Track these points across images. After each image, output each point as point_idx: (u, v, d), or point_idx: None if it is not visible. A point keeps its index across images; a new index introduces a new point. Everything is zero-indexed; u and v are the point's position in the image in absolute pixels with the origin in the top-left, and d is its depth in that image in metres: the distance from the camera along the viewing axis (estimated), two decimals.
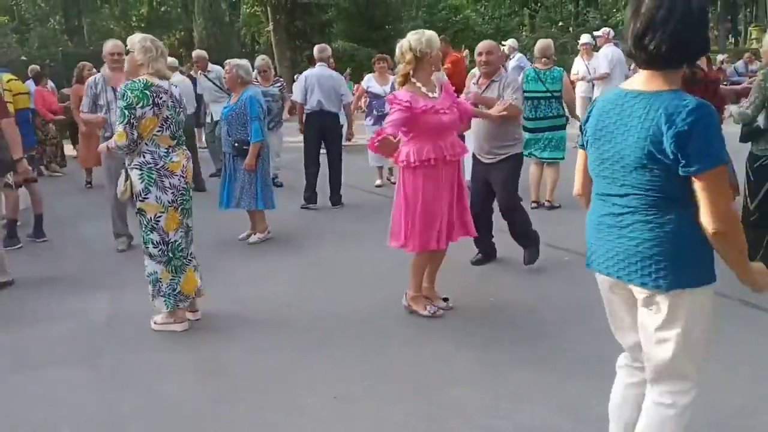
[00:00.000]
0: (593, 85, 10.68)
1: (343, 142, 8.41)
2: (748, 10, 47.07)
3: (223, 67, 7.18)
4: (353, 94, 10.12)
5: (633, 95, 2.15)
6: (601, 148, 2.23)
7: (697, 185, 2.02)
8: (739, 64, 16.62)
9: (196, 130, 10.03)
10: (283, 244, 6.49)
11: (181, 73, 10.26)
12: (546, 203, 7.24)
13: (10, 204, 6.45)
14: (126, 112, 4.05)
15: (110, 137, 5.99)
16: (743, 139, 4.81)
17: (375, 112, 8.77)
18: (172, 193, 4.23)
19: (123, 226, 6.46)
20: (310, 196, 7.97)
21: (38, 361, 4.06)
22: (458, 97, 4.75)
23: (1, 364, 4.04)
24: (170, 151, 4.23)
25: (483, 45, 5.24)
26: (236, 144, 6.27)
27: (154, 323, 4.42)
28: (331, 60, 8.68)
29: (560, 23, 34.48)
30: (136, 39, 4.23)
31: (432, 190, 4.25)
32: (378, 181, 9.09)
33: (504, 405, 3.30)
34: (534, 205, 7.11)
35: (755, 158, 4.73)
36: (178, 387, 3.67)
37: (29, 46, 28.15)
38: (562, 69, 7.19)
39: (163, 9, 42.78)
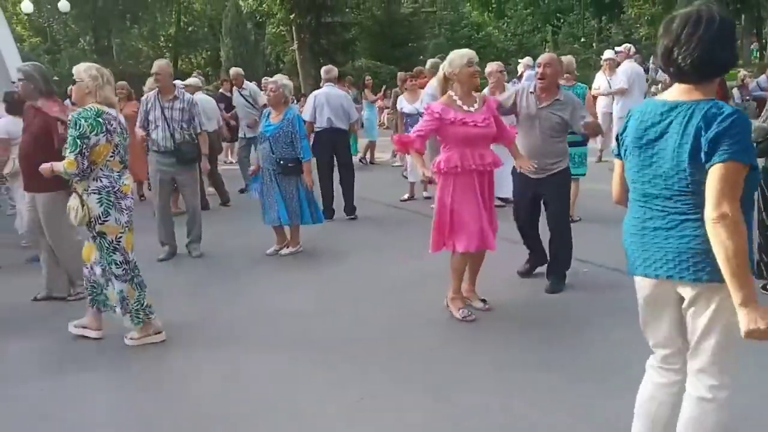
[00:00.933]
0: (613, 100, 10.78)
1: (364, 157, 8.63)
2: None
3: (260, 86, 7.43)
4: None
5: (672, 105, 2.31)
6: (642, 155, 2.37)
7: (714, 173, 2.13)
8: (762, 78, 16.56)
9: (224, 145, 10.33)
10: (307, 257, 6.65)
11: (207, 92, 10.55)
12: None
13: None
14: (78, 141, 4.12)
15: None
16: (761, 154, 4.84)
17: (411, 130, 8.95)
18: (128, 213, 4.41)
19: (167, 236, 6.74)
20: (326, 210, 8.20)
21: (67, 365, 4.27)
22: None
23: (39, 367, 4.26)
24: (121, 174, 4.40)
25: (543, 56, 5.31)
26: (281, 162, 6.42)
27: (131, 339, 4.53)
28: (350, 78, 8.93)
29: (582, 39, 34.50)
30: (81, 68, 4.33)
31: (461, 195, 4.52)
32: (405, 195, 9.26)
33: (519, 406, 3.43)
34: None
35: None
36: (204, 392, 3.84)
37: (60, 67, 28.86)
38: (585, 86, 7.29)
39: (190, 29, 43.66)
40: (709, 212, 2.13)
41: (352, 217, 8.35)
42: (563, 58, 7.36)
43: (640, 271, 2.45)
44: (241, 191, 10.06)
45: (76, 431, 3.52)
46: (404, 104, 9.37)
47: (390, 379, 3.84)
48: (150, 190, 9.21)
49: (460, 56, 4.51)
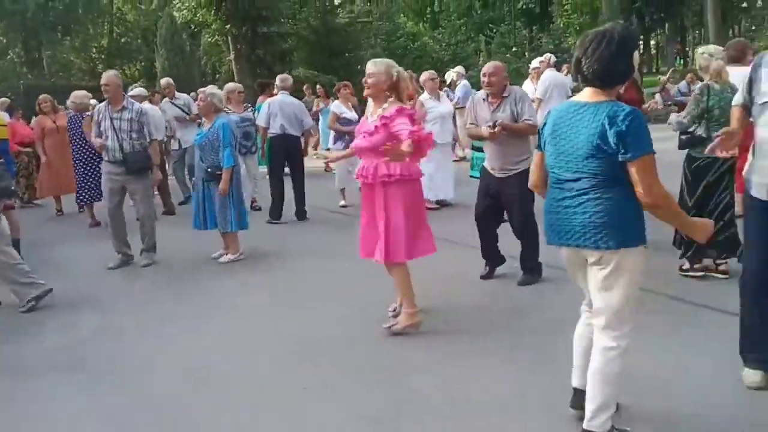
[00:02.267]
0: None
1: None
2: (696, 32, 49.00)
3: (195, 97, 7.59)
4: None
5: (582, 105, 2.86)
6: (557, 144, 2.91)
7: (632, 169, 2.71)
8: (682, 84, 17.45)
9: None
10: (257, 261, 6.84)
11: (150, 102, 10.57)
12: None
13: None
14: None
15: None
16: (682, 146, 5.43)
17: (347, 137, 9.25)
18: None
19: (119, 244, 6.84)
20: (275, 213, 8.60)
21: (37, 369, 4.41)
22: None
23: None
24: None
25: (486, 66, 5.54)
26: (209, 170, 6.62)
27: None
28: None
29: (514, 48, 35.50)
30: None
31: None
32: (342, 202, 9.54)
33: (460, 387, 3.75)
34: None
35: (693, 160, 5.33)
36: (163, 388, 4.03)
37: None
38: None
39: (123, 40, 42.94)
40: (642, 199, 2.73)
41: (303, 220, 8.69)
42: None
43: (556, 240, 3.02)
44: (180, 203, 10.09)
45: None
46: (344, 109, 9.75)
47: (339, 370, 4.11)
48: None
49: (370, 64, 4.59)
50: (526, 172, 5.39)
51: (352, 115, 9.62)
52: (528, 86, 11.79)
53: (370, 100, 4.64)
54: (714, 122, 5.19)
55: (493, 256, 5.80)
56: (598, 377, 2.92)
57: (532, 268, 5.58)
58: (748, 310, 3.53)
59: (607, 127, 2.71)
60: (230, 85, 9.39)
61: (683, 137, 5.40)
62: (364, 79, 4.54)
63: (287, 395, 3.82)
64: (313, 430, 3.45)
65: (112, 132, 6.61)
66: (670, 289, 4.99)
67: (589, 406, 2.94)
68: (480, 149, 7.12)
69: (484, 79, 5.40)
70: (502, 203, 5.54)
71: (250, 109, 9.64)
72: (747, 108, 3.49)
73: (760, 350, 3.47)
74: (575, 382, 3.23)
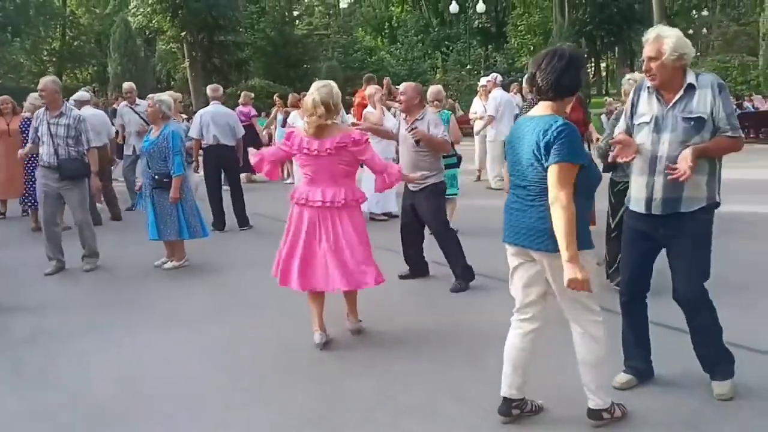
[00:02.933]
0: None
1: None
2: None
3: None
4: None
5: (529, 119, 3.17)
6: (512, 155, 3.22)
7: (549, 172, 2.96)
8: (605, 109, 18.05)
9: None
10: (200, 268, 6.81)
11: (95, 106, 10.48)
12: None
13: None
14: None
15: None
16: (604, 169, 5.60)
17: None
18: None
19: (53, 250, 6.72)
20: (218, 223, 8.56)
21: None
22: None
23: None
24: None
25: (402, 86, 6.00)
26: (156, 177, 6.53)
27: None
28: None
29: (469, 66, 36.10)
30: None
31: None
32: None
33: (392, 388, 3.85)
34: None
35: (614, 184, 5.52)
36: (98, 390, 4.04)
37: None
38: (449, 112, 7.93)
39: (76, 43, 42.25)
40: (550, 198, 2.96)
41: (246, 228, 8.68)
42: (432, 87, 8.00)
43: (507, 239, 3.30)
44: (127, 209, 9.97)
45: None
46: (298, 119, 9.73)
47: (278, 371, 4.18)
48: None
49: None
50: (437, 185, 5.78)
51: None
52: (477, 104, 12.07)
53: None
54: None
55: (415, 266, 6.10)
56: (586, 365, 3.21)
57: (460, 274, 5.78)
58: (622, 320, 3.82)
59: (540, 137, 2.99)
60: (170, 94, 9.04)
61: (603, 161, 5.55)
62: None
63: (224, 397, 3.86)
64: (251, 430, 3.51)
65: (48, 137, 6.51)
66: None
67: (588, 391, 3.24)
68: (449, 165, 7.22)
69: (399, 98, 5.79)
70: (419, 215, 5.86)
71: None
72: (629, 133, 3.65)
73: (629, 356, 3.79)
74: (504, 391, 3.35)
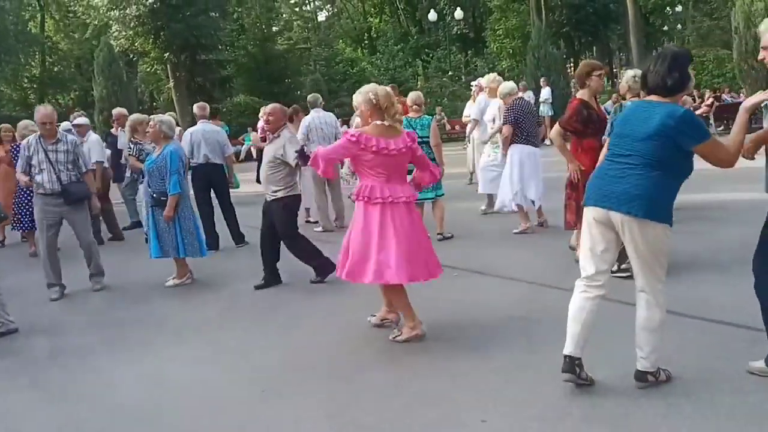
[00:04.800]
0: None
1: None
2: (622, 54, 51.12)
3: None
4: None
5: (646, 103, 3.55)
6: (623, 130, 3.55)
7: (700, 151, 3.38)
8: (608, 104, 18.36)
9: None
10: (203, 284, 6.96)
11: (94, 129, 10.65)
12: (438, 236, 7.77)
13: None
14: None
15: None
16: None
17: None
18: None
19: (55, 276, 6.82)
20: (211, 242, 8.47)
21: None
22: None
23: None
24: None
25: (267, 107, 6.55)
26: (155, 195, 6.71)
27: None
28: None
29: (450, 72, 36.42)
30: None
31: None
32: None
33: (407, 381, 4.07)
34: (439, 236, 7.81)
35: None
36: (124, 397, 4.23)
37: None
38: (431, 117, 8.15)
39: (56, 69, 42.23)
40: (721, 164, 3.45)
41: (242, 244, 8.71)
42: (414, 93, 8.24)
43: (592, 203, 3.59)
44: (125, 228, 10.15)
45: None
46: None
47: (292, 372, 4.38)
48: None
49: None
50: (282, 199, 6.23)
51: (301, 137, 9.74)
52: (470, 106, 12.10)
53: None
54: None
55: (269, 274, 6.49)
56: (645, 330, 3.54)
57: (316, 266, 6.46)
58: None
59: (667, 120, 3.33)
60: (136, 116, 8.94)
61: None
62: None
63: (244, 400, 4.05)
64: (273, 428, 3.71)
65: (48, 165, 6.60)
66: None
67: (641, 353, 3.57)
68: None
69: (263, 117, 6.26)
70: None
71: None
72: None
73: None
74: (569, 350, 3.60)
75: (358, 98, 4.70)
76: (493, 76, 9.24)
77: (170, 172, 6.60)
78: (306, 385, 4.17)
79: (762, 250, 3.66)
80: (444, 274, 5.04)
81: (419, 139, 7.07)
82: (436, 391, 3.91)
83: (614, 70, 46.61)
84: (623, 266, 5.85)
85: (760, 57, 3.74)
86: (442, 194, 8.07)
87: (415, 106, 7.91)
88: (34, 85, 41.17)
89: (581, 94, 6.01)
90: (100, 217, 9.50)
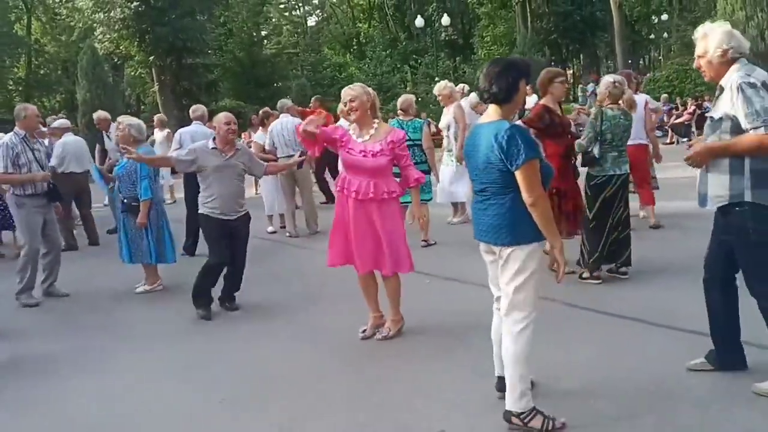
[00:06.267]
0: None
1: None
2: (609, 61, 51.47)
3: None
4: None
5: (480, 126, 3.43)
6: (470, 160, 3.48)
7: (518, 175, 3.19)
8: (594, 109, 18.40)
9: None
10: (175, 292, 6.72)
11: (75, 133, 10.54)
12: (422, 242, 7.73)
13: None
14: None
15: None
16: (583, 164, 5.95)
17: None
18: None
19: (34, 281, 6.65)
20: (191, 246, 8.44)
21: None
22: None
23: None
24: None
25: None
26: (125, 201, 6.60)
27: None
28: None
29: (437, 78, 36.43)
30: None
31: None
32: (270, 228, 9.73)
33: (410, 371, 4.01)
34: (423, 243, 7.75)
35: (591, 178, 5.87)
36: (81, 411, 4.15)
37: None
38: (422, 120, 8.11)
39: (42, 71, 41.98)
40: (527, 199, 3.20)
41: None
42: (403, 96, 8.23)
43: (476, 236, 3.53)
44: (109, 232, 10.03)
45: None
46: (264, 139, 9.66)
47: (254, 379, 4.32)
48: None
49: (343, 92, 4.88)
50: (247, 215, 5.92)
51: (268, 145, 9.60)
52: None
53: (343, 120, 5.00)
54: (606, 144, 5.74)
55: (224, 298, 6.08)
56: (508, 358, 3.33)
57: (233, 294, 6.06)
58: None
59: (493, 141, 3.21)
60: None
61: (584, 157, 5.89)
62: (345, 104, 4.72)
63: (203, 410, 3.99)
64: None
65: (36, 164, 6.47)
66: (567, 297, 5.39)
67: (508, 389, 3.35)
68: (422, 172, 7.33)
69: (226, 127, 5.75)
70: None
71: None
72: None
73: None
74: (498, 371, 3.61)
75: (359, 90, 4.73)
76: (444, 83, 9.13)
77: (140, 177, 6.48)
78: (265, 395, 4.11)
79: (709, 258, 3.81)
80: (416, 281, 5.00)
81: (410, 142, 7.10)
82: (398, 400, 3.87)
83: (602, 77, 46.89)
84: (594, 273, 5.85)
85: (695, 65, 3.74)
86: (429, 199, 8.03)
87: (400, 111, 7.89)
88: (20, 88, 40.90)
89: (544, 100, 6.05)
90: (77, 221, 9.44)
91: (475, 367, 4.14)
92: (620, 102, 5.90)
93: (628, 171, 5.99)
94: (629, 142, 6.04)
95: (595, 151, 5.75)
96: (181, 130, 8.84)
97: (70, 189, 9.37)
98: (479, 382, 3.91)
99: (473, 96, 8.61)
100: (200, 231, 8.26)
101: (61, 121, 10.21)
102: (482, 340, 4.64)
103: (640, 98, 7.89)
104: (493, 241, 3.37)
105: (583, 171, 6.04)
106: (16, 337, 5.62)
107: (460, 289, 6.02)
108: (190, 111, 9.07)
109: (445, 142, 8.95)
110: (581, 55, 50.45)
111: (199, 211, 5.85)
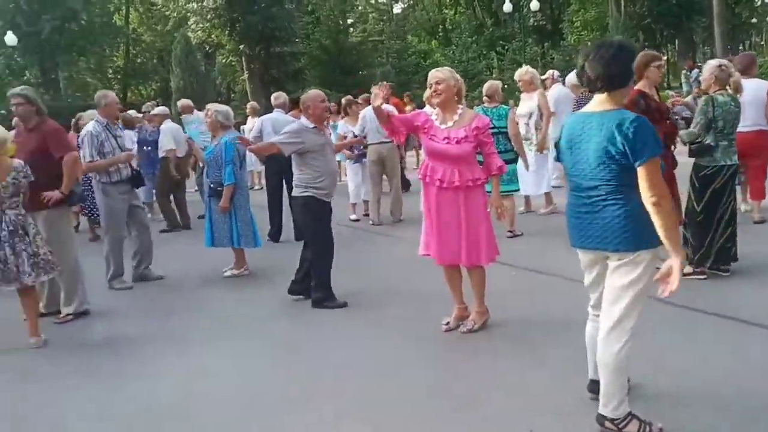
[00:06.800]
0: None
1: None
2: (706, 47, 49.07)
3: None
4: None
5: (589, 115, 3.08)
6: (573, 155, 3.10)
7: (641, 171, 2.89)
8: (689, 98, 17.59)
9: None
10: (260, 275, 6.94)
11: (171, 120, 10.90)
12: (508, 233, 7.49)
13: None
14: None
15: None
16: (692, 154, 5.64)
17: (356, 151, 9.51)
18: None
19: (121, 266, 6.80)
20: (275, 233, 8.54)
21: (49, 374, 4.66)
22: None
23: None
24: None
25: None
26: (212, 185, 6.76)
27: None
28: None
29: (523, 65, 35.71)
30: None
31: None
32: (353, 216, 9.73)
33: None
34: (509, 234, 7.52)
35: (700, 168, 5.57)
36: (169, 392, 4.24)
37: (8, 101, 28.48)
38: (507, 107, 7.88)
39: (139, 60, 43.65)
40: (646, 197, 2.89)
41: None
42: (489, 82, 8.03)
43: (578, 244, 3.21)
44: (200, 217, 10.29)
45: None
46: (350, 128, 9.63)
47: (336, 366, 4.30)
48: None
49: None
50: (298, 198, 5.60)
51: (356, 132, 9.48)
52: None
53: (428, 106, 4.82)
54: (719, 132, 5.45)
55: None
56: (607, 368, 3.09)
57: (318, 286, 5.68)
58: None
59: (616, 133, 2.90)
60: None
61: (693, 147, 5.60)
62: (431, 87, 4.61)
63: (287, 397, 4.00)
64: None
65: (119, 152, 6.60)
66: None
67: (605, 396, 3.13)
68: (508, 161, 7.17)
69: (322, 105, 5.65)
70: None
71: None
72: None
73: None
74: (591, 374, 3.44)
75: (447, 73, 4.62)
76: (525, 68, 8.79)
77: (225, 162, 6.60)
78: (347, 383, 4.09)
79: None
80: (501, 273, 4.85)
81: (494, 130, 6.70)
82: (482, 395, 3.77)
83: (698, 63, 44.80)
84: (698, 269, 5.55)
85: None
86: (516, 189, 7.85)
87: (486, 97, 7.72)
88: (118, 76, 42.68)
89: (640, 85, 5.73)
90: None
91: (563, 365, 3.97)
92: (727, 87, 5.56)
93: (737, 161, 5.67)
94: (748, 128, 5.67)
95: (710, 139, 5.46)
96: (262, 117, 8.94)
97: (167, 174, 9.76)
98: (569, 381, 3.74)
99: (572, 77, 8.24)
100: (278, 218, 8.49)
101: (161, 108, 10.61)
102: (571, 335, 4.47)
103: (760, 84, 7.35)
104: (605, 247, 3.06)
105: (683, 161, 5.73)
106: (110, 318, 5.83)
107: (547, 282, 5.83)
108: (272, 98, 9.11)
109: (523, 130, 8.61)
110: (676, 41, 48.25)
111: (303, 194, 5.58)
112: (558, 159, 3.34)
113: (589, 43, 36.18)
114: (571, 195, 3.22)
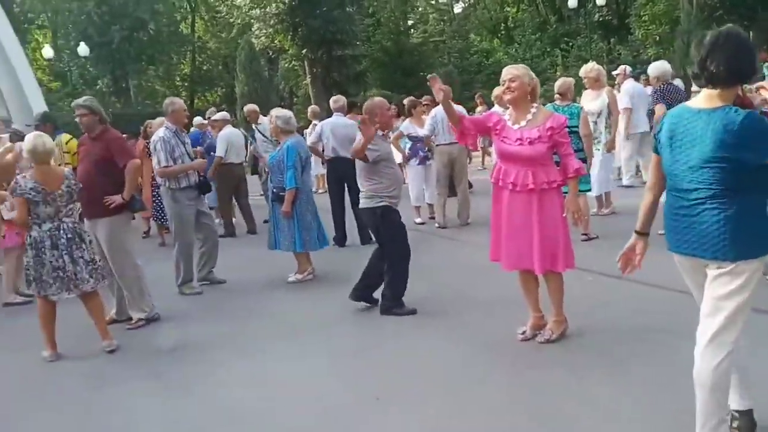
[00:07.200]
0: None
1: None
2: None
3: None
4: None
5: (696, 111, 2.79)
6: (673, 152, 2.84)
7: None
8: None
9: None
10: (324, 280, 6.88)
11: (234, 125, 10.98)
12: (582, 236, 7.19)
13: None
14: None
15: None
16: None
17: (421, 153, 9.40)
18: None
19: (191, 271, 6.84)
20: (341, 238, 8.47)
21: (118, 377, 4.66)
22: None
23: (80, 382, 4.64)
24: None
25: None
26: (275, 190, 6.76)
27: None
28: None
29: (589, 61, 34.83)
30: None
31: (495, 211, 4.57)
32: (418, 219, 9.55)
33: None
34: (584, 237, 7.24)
35: None
36: (236, 397, 4.17)
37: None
38: (580, 105, 7.55)
39: (205, 68, 44.59)
40: None
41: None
42: (561, 79, 7.72)
43: (674, 249, 2.94)
44: (265, 221, 10.31)
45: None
46: (414, 128, 9.49)
47: (406, 375, 4.14)
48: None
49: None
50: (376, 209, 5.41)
51: (423, 132, 9.31)
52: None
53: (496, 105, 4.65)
54: None
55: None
56: (706, 384, 2.80)
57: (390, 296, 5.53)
58: None
59: (737, 132, 2.64)
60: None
61: None
62: (504, 84, 4.44)
63: (358, 403, 3.88)
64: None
65: (188, 158, 6.65)
66: None
67: (699, 414, 2.84)
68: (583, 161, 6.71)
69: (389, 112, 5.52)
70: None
71: None
72: None
73: None
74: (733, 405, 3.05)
75: (522, 71, 4.42)
76: (591, 64, 8.42)
77: (287, 167, 6.59)
78: (416, 393, 3.95)
79: None
80: (577, 279, 4.60)
81: (567, 129, 6.51)
82: (562, 411, 3.55)
83: None
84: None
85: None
86: (588, 189, 7.54)
87: (558, 95, 7.43)
88: (185, 83, 43.71)
89: None
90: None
91: (650, 380, 3.73)
92: None
93: None
94: None
95: None
96: (322, 122, 8.87)
97: (229, 179, 9.79)
98: (658, 398, 3.50)
99: (656, 68, 7.86)
100: (342, 222, 8.43)
101: (222, 114, 10.69)
102: (656, 346, 4.23)
103: None
104: (702, 254, 2.80)
105: None
106: (179, 323, 5.84)
107: (627, 288, 5.50)
108: (331, 102, 9.02)
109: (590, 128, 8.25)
110: (750, 33, 46.42)
111: (379, 204, 5.43)
112: (656, 151, 3.01)
113: (659, 39, 35.08)
114: (669, 195, 2.95)
